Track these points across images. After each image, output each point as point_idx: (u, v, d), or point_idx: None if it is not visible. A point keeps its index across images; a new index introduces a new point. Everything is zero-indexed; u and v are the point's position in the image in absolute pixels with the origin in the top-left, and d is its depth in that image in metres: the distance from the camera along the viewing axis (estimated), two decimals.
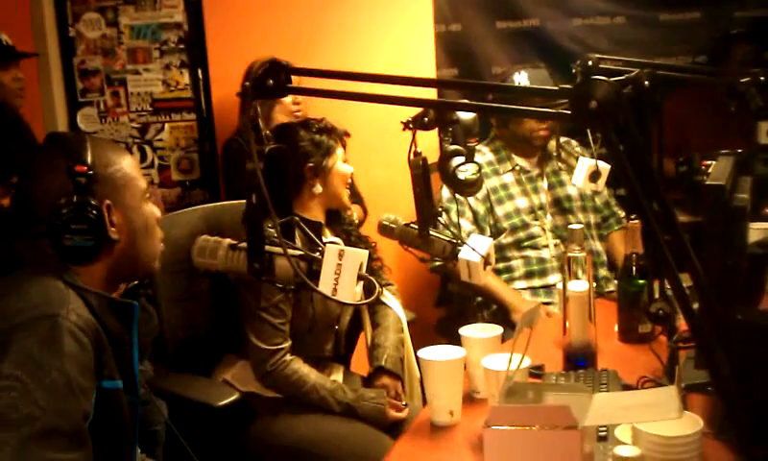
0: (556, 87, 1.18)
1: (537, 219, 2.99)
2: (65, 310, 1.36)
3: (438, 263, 2.99)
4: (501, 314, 2.92)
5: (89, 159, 1.47)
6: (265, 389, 2.30)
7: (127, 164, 1.54)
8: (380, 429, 2.29)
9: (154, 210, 1.60)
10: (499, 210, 2.98)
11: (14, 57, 2.98)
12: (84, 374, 1.34)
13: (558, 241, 2.97)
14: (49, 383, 1.27)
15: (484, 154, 3.07)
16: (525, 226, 2.97)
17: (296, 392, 2.27)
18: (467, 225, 2.92)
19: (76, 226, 1.43)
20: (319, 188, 2.38)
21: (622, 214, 3.15)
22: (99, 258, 1.47)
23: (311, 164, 2.37)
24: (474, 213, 2.96)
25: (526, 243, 2.96)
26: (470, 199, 2.95)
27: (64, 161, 1.46)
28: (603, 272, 2.99)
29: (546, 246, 2.97)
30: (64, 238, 1.43)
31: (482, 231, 2.91)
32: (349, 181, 2.46)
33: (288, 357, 2.27)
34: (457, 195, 2.86)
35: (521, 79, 3.02)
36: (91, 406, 1.35)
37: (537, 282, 2.94)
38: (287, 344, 2.28)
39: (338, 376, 2.43)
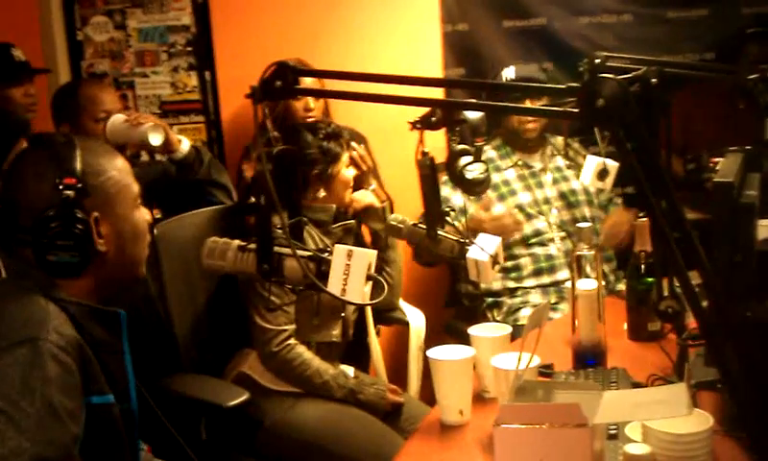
0: (564, 86, 1.18)
1: (541, 213, 3.00)
2: (46, 331, 1.31)
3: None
4: (511, 314, 2.93)
5: (79, 169, 1.42)
6: (277, 382, 2.33)
7: (118, 170, 1.49)
8: (379, 416, 2.34)
9: (144, 215, 1.56)
10: (501, 206, 2.98)
11: (26, 73, 2.99)
12: (69, 396, 1.30)
13: (564, 235, 2.97)
14: (34, 412, 1.23)
15: (485, 151, 3.07)
16: (529, 220, 2.97)
17: (299, 376, 2.31)
18: None
19: (61, 242, 1.38)
20: (322, 193, 2.41)
21: (619, 201, 3.17)
22: (86, 272, 1.43)
23: (316, 171, 2.39)
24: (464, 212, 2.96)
25: (533, 240, 2.96)
26: (461, 199, 2.95)
27: (52, 171, 1.41)
28: (610, 267, 2.99)
29: (552, 240, 2.97)
30: (49, 253, 1.38)
31: None
32: (351, 184, 2.49)
33: (292, 341, 2.32)
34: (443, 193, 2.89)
35: (509, 73, 3.05)
36: (81, 428, 1.31)
37: (546, 280, 2.94)
38: (291, 327, 2.33)
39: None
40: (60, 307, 1.38)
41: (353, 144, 2.65)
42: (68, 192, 1.39)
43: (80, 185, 1.41)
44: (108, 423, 1.42)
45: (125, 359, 1.50)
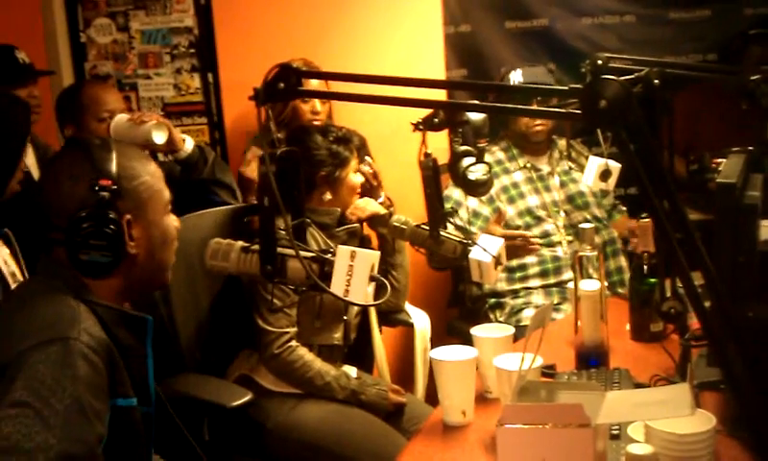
0: (566, 87, 1.18)
1: (550, 216, 3.00)
2: (77, 331, 1.33)
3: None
4: (514, 315, 2.93)
5: (114, 172, 1.44)
6: (279, 384, 2.34)
7: (151, 175, 1.52)
8: (381, 416, 2.34)
9: (173, 221, 1.58)
10: (511, 209, 2.99)
11: (30, 75, 3.00)
12: (97, 396, 1.32)
13: (571, 238, 2.98)
14: (62, 410, 1.25)
15: (494, 153, 3.08)
16: (539, 223, 2.97)
17: (300, 378, 2.32)
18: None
19: (94, 241, 1.40)
20: (328, 196, 2.41)
21: (624, 209, 3.18)
22: (116, 272, 1.45)
23: (323, 173, 2.40)
24: (477, 215, 2.96)
25: (541, 241, 2.97)
26: (474, 202, 2.95)
27: (88, 172, 1.43)
28: (620, 261, 2.99)
29: (560, 243, 2.97)
30: (82, 252, 1.40)
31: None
32: (359, 190, 2.48)
33: (294, 343, 2.32)
34: (455, 197, 2.89)
35: (517, 77, 3.04)
36: (106, 428, 1.33)
37: (551, 280, 2.95)
38: (293, 329, 2.34)
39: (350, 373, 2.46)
40: (90, 309, 1.40)
41: (367, 159, 2.64)
42: (103, 193, 1.41)
43: (114, 187, 1.43)
44: (129, 425, 1.43)
45: (147, 364, 1.51)
